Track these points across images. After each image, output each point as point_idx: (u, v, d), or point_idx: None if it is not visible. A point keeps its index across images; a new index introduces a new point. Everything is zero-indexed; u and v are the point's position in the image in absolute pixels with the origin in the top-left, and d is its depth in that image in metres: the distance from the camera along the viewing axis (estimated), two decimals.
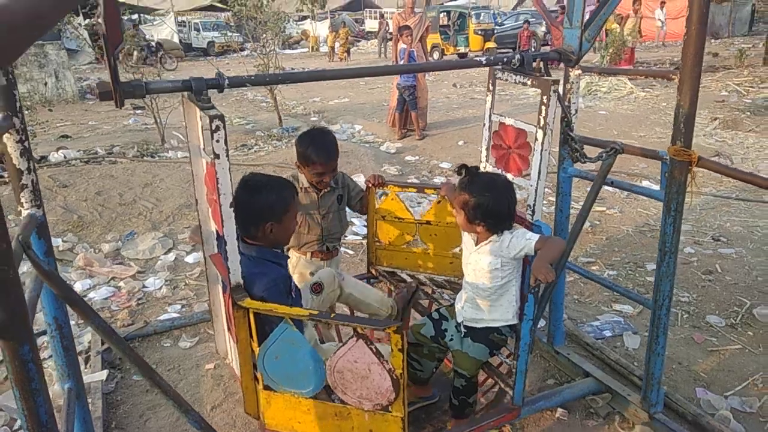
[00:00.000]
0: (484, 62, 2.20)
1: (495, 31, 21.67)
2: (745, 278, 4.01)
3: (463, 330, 2.32)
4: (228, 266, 1.69)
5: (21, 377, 1.38)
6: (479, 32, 21.37)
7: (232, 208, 1.60)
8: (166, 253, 4.56)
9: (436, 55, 21.53)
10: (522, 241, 2.10)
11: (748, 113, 8.95)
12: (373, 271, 3.03)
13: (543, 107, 2.10)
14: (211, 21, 28.99)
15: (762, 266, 4.18)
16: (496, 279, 2.18)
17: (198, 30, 28.13)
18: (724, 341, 3.29)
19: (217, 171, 1.53)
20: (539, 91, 2.12)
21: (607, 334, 3.38)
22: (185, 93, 1.64)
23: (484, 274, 2.19)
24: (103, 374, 2.94)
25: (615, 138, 5.36)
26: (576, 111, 2.63)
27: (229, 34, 26.05)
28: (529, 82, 2.17)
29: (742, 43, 19.81)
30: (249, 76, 1.63)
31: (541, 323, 3.25)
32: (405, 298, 2.65)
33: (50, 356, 2.05)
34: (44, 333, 2.02)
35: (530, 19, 20.20)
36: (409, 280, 2.92)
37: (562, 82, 2.56)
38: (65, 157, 6.51)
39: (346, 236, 4.76)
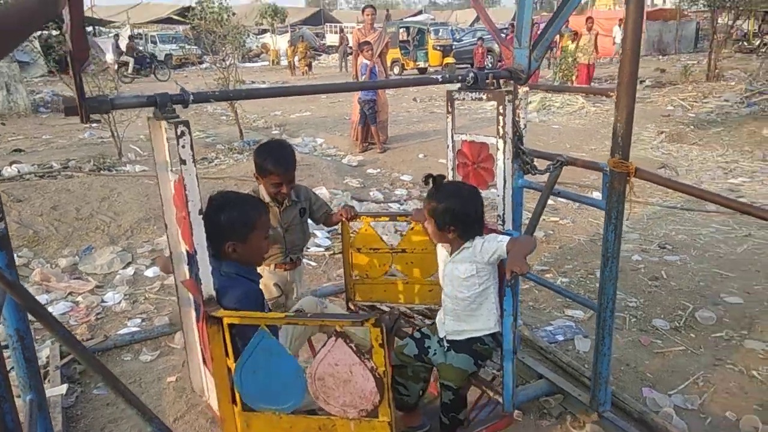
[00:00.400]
0: (440, 80, 2.32)
1: (453, 47, 22.17)
2: (688, 284, 4.23)
3: (446, 344, 2.35)
4: (199, 277, 1.72)
5: None
6: (438, 48, 21.83)
7: (201, 215, 1.64)
8: (124, 268, 4.53)
9: (396, 70, 21.86)
10: (494, 244, 2.17)
11: (692, 127, 9.42)
12: (352, 307, 3.00)
13: (500, 117, 2.21)
14: (168, 34, 28.71)
15: (704, 272, 4.42)
16: (474, 286, 2.24)
17: (155, 42, 27.80)
18: (668, 343, 3.48)
19: (184, 177, 1.58)
20: (495, 104, 2.24)
21: (560, 338, 3.52)
22: (151, 113, 1.68)
23: (462, 283, 2.25)
24: (63, 388, 2.91)
25: (567, 151, 5.60)
26: (525, 125, 2.77)
27: (187, 47, 25.85)
28: (484, 97, 2.29)
29: (688, 59, 20.79)
30: (213, 91, 1.70)
31: None
32: (388, 326, 2.70)
33: (11, 368, 2.05)
34: (6, 347, 2.02)
35: (485, 36, 20.69)
36: (389, 310, 2.94)
37: (512, 98, 2.72)
38: (19, 171, 6.37)
39: (308, 248, 4.83)
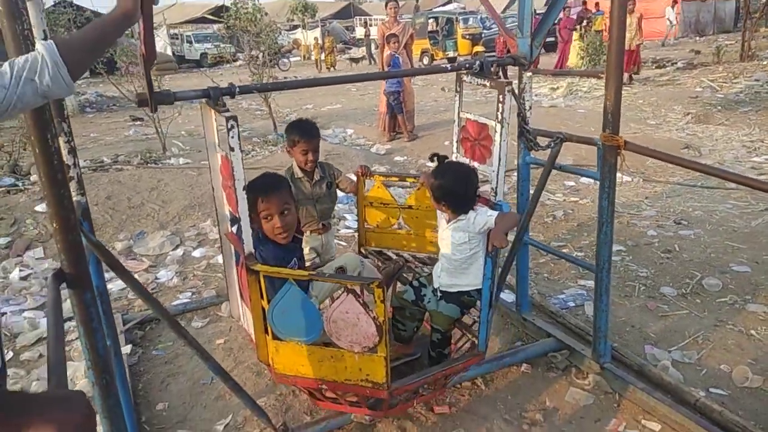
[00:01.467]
0: (449, 68, 2.64)
1: (483, 35, 22.16)
2: (699, 255, 4.44)
3: (439, 294, 2.72)
4: (242, 238, 2.11)
5: (84, 318, 1.82)
6: (467, 36, 21.88)
7: (245, 191, 2.03)
8: (174, 249, 4.99)
9: (426, 60, 22.08)
10: (484, 217, 2.50)
11: (720, 108, 9.43)
12: (363, 251, 3.45)
13: (500, 104, 2.52)
14: (203, 33, 29.49)
15: (716, 244, 4.61)
16: (465, 251, 2.59)
17: (191, 42, 28.62)
18: (674, 308, 3.72)
19: (232, 161, 1.96)
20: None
21: (571, 304, 3.81)
22: (203, 100, 2.06)
23: (456, 247, 2.60)
24: (127, 349, 3.36)
25: (592, 134, 5.83)
26: (530, 107, 3.06)
27: (222, 45, 26.54)
28: (488, 84, 2.61)
29: (726, 39, 20.34)
30: (255, 84, 2.07)
31: (511, 297, 3.69)
32: (390, 273, 3.13)
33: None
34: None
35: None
36: (394, 258, 3.35)
37: (517, 82, 3.02)
38: None
39: (339, 230, 5.21)
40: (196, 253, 4.90)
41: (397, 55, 8.07)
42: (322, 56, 22.94)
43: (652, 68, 14.53)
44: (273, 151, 7.94)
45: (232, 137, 1.95)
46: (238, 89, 2.02)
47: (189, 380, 3.20)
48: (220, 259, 4.75)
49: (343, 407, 2.50)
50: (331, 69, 22.40)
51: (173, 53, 28.17)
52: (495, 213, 2.51)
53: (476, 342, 2.63)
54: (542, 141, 2.99)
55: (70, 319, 3.90)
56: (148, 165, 7.07)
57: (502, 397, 2.93)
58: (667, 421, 2.62)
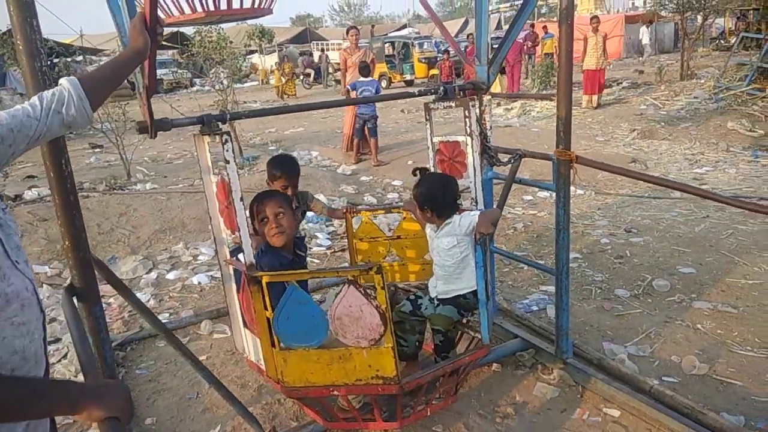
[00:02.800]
0: (416, 93, 2.90)
1: (438, 59, 22.81)
2: (649, 260, 4.80)
3: (436, 302, 2.88)
4: (243, 248, 2.23)
5: (94, 329, 1.96)
6: (423, 60, 22.52)
7: (241, 201, 2.19)
8: (147, 273, 5.05)
9: (384, 83, 22.51)
10: (468, 218, 2.70)
11: (663, 124, 10.05)
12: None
13: (467, 119, 2.77)
14: (159, 59, 29.31)
15: (664, 249, 4.98)
16: (456, 255, 2.76)
17: None
18: (627, 308, 4.03)
19: (228, 173, 2.13)
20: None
21: (534, 308, 4.07)
22: (196, 130, 2.23)
23: (447, 253, 2.78)
24: None
25: (546, 150, 6.19)
26: (491, 127, 3.34)
27: (178, 71, 26.42)
28: (453, 104, 2.86)
29: (667, 59, 21.49)
30: (245, 111, 2.26)
31: None
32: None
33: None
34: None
35: (450, 49, 21.32)
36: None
37: (477, 105, 3.30)
38: (39, 194, 6.89)
39: (311, 248, 5.38)
40: (170, 276, 4.98)
41: (376, 81, 8.31)
42: (283, 81, 22.52)
43: None
44: (240, 174, 8.05)
45: (228, 151, 2.12)
46: (229, 115, 2.20)
47: (175, 396, 3.30)
48: (195, 280, 4.87)
49: (357, 424, 2.59)
50: (293, 96, 21.83)
51: (128, 80, 27.87)
52: (477, 212, 2.73)
53: (479, 337, 2.80)
54: (503, 157, 3.26)
55: (49, 343, 3.96)
56: (114, 191, 7.10)
57: (475, 394, 3.14)
58: (625, 407, 2.87)
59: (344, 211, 3.50)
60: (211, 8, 2.78)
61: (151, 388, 3.40)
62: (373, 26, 30.26)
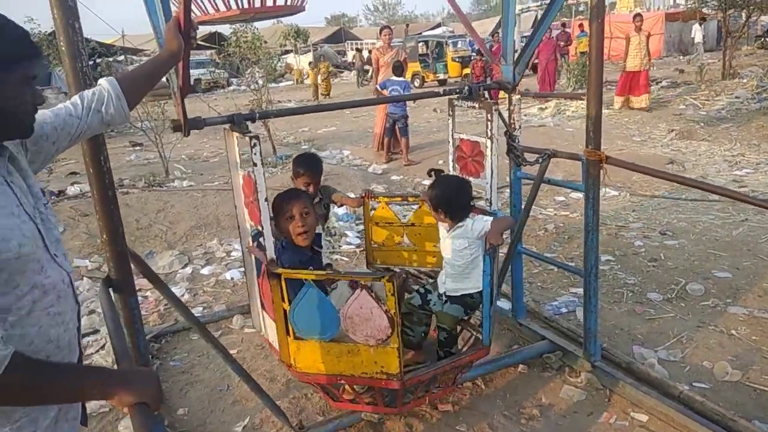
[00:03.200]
0: (441, 93, 2.91)
1: (472, 58, 22.67)
2: (683, 263, 4.70)
3: (444, 298, 2.92)
4: (265, 245, 2.33)
5: (129, 320, 2.04)
6: (457, 59, 22.39)
7: (266, 201, 2.26)
8: (183, 267, 5.19)
9: (416, 83, 22.51)
10: (481, 223, 2.74)
11: (702, 124, 9.79)
12: (370, 268, 3.67)
13: (488, 122, 2.80)
14: (197, 59, 29.85)
15: (699, 253, 4.88)
16: (466, 256, 2.80)
17: None
18: (660, 312, 3.96)
19: (255, 175, 2.20)
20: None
21: (563, 310, 4.04)
22: (226, 125, 2.31)
23: (457, 253, 2.82)
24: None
25: (579, 151, 6.13)
26: (520, 126, 3.33)
27: (216, 71, 26.92)
28: (477, 106, 2.88)
29: (709, 58, 20.90)
30: (273, 110, 2.32)
31: (507, 305, 3.92)
32: (398, 288, 3.34)
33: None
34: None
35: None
36: (398, 271, 3.56)
37: (507, 103, 3.30)
38: (81, 190, 7.13)
39: (341, 245, 5.45)
40: (205, 271, 5.11)
41: (407, 81, 8.34)
42: (319, 80, 22.31)
43: None
44: (273, 173, 8.18)
45: (255, 154, 2.19)
46: (258, 115, 2.27)
47: (206, 388, 3.39)
48: (228, 275, 4.99)
49: (359, 406, 2.70)
50: (327, 96, 21.38)
51: (167, 79, 28.49)
52: (490, 218, 2.76)
53: (481, 338, 2.83)
54: (531, 157, 3.24)
55: (87, 334, 4.11)
56: (153, 188, 7.30)
57: (501, 395, 3.14)
58: (653, 412, 2.84)
59: (362, 195, 3.59)
60: (245, 6, 2.86)
61: (184, 379, 3.50)
62: (407, 25, 30.23)
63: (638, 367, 3.19)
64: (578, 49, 18.80)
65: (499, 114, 2.78)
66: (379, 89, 8.53)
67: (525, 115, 12.34)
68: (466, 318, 2.98)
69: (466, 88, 2.83)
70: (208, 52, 29.29)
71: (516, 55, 3.00)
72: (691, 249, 4.97)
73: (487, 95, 2.88)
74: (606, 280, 4.48)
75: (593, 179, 2.91)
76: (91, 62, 10.84)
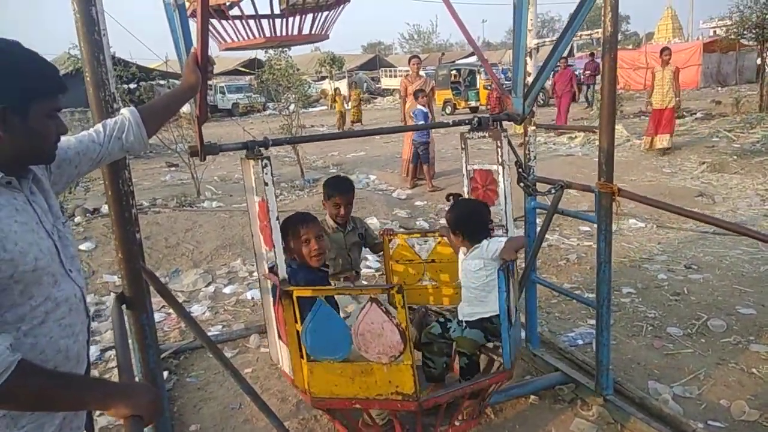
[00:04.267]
0: (451, 124, 2.98)
1: (504, 86, 22.74)
2: (707, 298, 4.60)
3: (463, 324, 2.94)
4: (277, 263, 2.39)
5: (139, 336, 2.12)
6: (488, 87, 22.49)
7: (277, 221, 2.33)
8: (207, 286, 5.32)
9: (448, 109, 22.72)
10: (495, 243, 2.78)
11: (735, 157, 9.60)
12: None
13: (498, 149, 2.85)
14: (235, 84, 30.74)
15: (724, 288, 4.77)
16: (482, 277, 2.83)
17: (223, 93, 29.80)
18: (679, 347, 3.88)
19: (266, 194, 2.28)
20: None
21: (579, 342, 4.00)
22: (242, 153, 2.41)
23: (473, 275, 2.86)
24: (164, 375, 3.64)
25: None
26: (535, 156, 3.36)
27: (253, 96, 27.65)
28: (487, 135, 2.93)
29: (748, 90, 20.52)
30: (286, 137, 2.41)
31: (522, 333, 3.89)
32: (419, 323, 3.37)
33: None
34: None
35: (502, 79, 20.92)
36: (418, 308, 3.55)
37: (522, 135, 3.35)
38: None
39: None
40: (227, 290, 5.23)
41: (425, 110, 8.47)
42: (348, 106, 21.13)
43: None
44: (300, 196, 8.34)
45: (267, 174, 2.28)
46: (271, 142, 2.37)
47: (219, 405, 3.46)
48: (249, 295, 5.09)
49: None
50: (359, 123, 20.25)
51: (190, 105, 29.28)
52: (504, 238, 2.80)
53: (502, 362, 2.81)
54: (545, 187, 3.27)
55: (111, 348, 4.23)
56: (184, 208, 7.51)
57: (510, 425, 3.12)
58: None
59: (381, 233, 3.63)
60: (268, 35, 2.99)
61: (199, 396, 3.58)
62: (442, 54, 30.56)
63: (651, 403, 3.13)
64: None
65: (509, 143, 2.83)
66: (413, 116, 8.64)
67: (554, 144, 12.31)
68: (486, 344, 2.96)
69: (476, 119, 2.89)
70: (247, 78, 30.16)
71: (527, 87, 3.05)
72: (716, 284, 4.87)
73: (499, 127, 2.92)
74: (626, 313, 4.42)
75: (605, 211, 2.91)
76: (132, 85, 11.22)
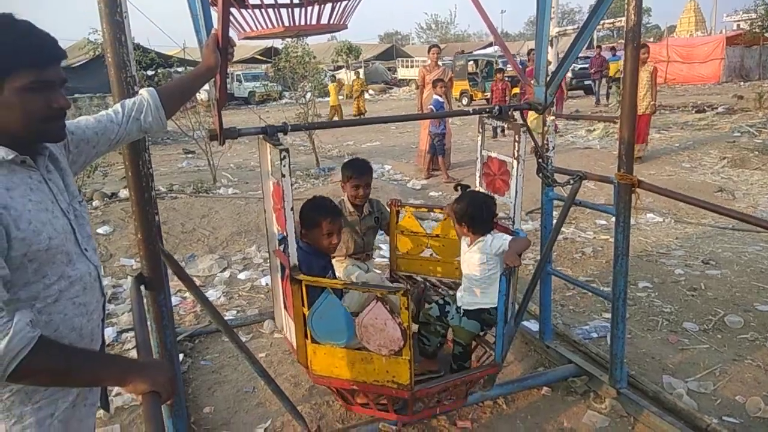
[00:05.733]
0: (471, 112, 2.96)
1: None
2: (724, 294, 4.55)
3: (462, 312, 2.97)
4: (288, 252, 2.42)
5: (157, 315, 2.15)
6: (508, 79, 22.26)
7: (292, 211, 2.35)
8: (222, 271, 5.36)
9: (465, 101, 22.57)
10: (500, 241, 2.81)
11: (757, 152, 9.44)
12: (394, 275, 3.77)
13: (516, 143, 2.83)
14: (252, 72, 30.78)
15: (742, 284, 4.71)
16: (484, 271, 2.86)
17: (240, 81, 29.84)
18: (694, 342, 3.85)
19: (283, 186, 2.30)
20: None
21: (594, 335, 3.97)
22: (260, 135, 2.42)
23: (476, 268, 2.88)
24: (180, 357, 3.68)
25: None
26: (553, 147, 3.33)
27: (270, 84, 27.68)
28: (506, 126, 2.91)
29: None
30: (304, 123, 2.42)
31: (536, 326, 3.88)
32: (417, 296, 3.42)
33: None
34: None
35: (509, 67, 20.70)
36: (420, 280, 3.64)
37: (541, 125, 3.31)
38: None
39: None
40: (242, 276, 5.27)
41: (441, 100, 8.43)
42: (343, 95, 18.99)
43: (691, 113, 14.57)
44: (315, 184, 8.36)
45: (284, 166, 2.29)
46: (290, 127, 2.37)
47: (233, 388, 3.49)
48: (263, 281, 5.12)
49: (371, 411, 2.76)
50: (362, 116, 18.25)
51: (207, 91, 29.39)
52: (509, 237, 2.80)
53: (493, 354, 2.85)
54: (563, 179, 3.24)
55: (128, 330, 4.29)
56: (200, 194, 7.56)
57: (522, 416, 3.12)
58: None
59: (389, 203, 3.69)
60: (287, 24, 2.99)
61: (213, 379, 3.61)
62: (462, 51, 30.14)
63: (665, 397, 3.11)
64: (611, 74, 18.35)
65: (530, 133, 2.81)
66: (432, 108, 8.60)
67: (572, 137, 12.19)
68: (482, 334, 3.01)
69: (497, 107, 2.87)
70: (264, 66, 30.17)
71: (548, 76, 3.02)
72: (734, 280, 4.81)
73: (517, 116, 2.90)
74: (641, 307, 4.38)
75: (624, 203, 2.88)
76: (151, 72, 11.27)
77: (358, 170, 3.46)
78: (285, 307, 2.81)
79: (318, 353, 2.54)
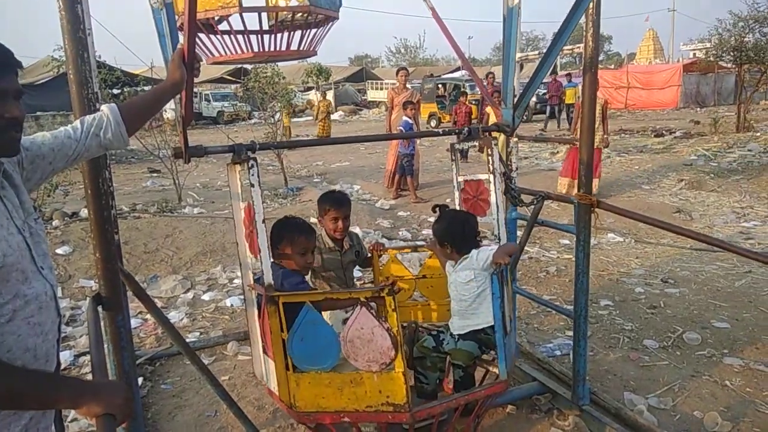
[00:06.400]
0: (441, 133, 3.01)
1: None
2: (683, 312, 4.67)
3: (456, 337, 2.88)
4: (262, 269, 2.32)
5: (114, 337, 2.10)
6: (473, 102, 22.67)
7: (263, 223, 2.30)
8: (185, 292, 5.27)
9: (433, 123, 22.85)
10: (486, 252, 2.74)
11: (713, 175, 9.80)
12: None
13: (489, 157, 2.86)
14: (221, 92, 30.62)
15: (699, 302, 4.85)
16: (473, 288, 2.78)
17: (209, 100, 29.65)
18: (655, 359, 3.93)
19: (252, 196, 2.25)
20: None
21: (557, 353, 4.03)
22: (228, 159, 2.39)
23: (463, 286, 2.80)
24: (139, 380, 3.59)
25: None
26: (517, 168, 3.41)
27: (239, 104, 27.56)
28: (477, 144, 2.96)
29: (726, 111, 20.97)
30: (272, 142, 2.41)
31: None
32: (408, 337, 3.31)
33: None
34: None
35: (477, 90, 21.24)
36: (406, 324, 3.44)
37: (505, 147, 3.38)
38: None
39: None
40: (206, 297, 5.18)
41: (411, 122, 8.51)
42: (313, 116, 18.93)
43: (651, 137, 15.05)
44: (283, 204, 8.32)
45: (253, 175, 2.25)
46: (258, 146, 2.36)
47: (194, 412, 3.42)
48: (228, 302, 5.05)
49: None
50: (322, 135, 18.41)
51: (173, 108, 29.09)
52: (494, 247, 2.77)
53: (498, 372, 2.76)
54: (527, 198, 3.30)
55: (86, 353, 4.16)
56: (164, 214, 7.44)
57: None
58: None
59: (370, 248, 3.47)
60: (256, 50, 2.99)
61: (173, 403, 3.53)
62: (431, 75, 30.54)
63: (627, 413, 3.16)
64: (565, 101, 18.70)
65: (498, 153, 2.85)
66: (402, 129, 8.66)
67: (536, 159, 12.45)
68: (480, 355, 2.89)
69: (466, 129, 2.91)
70: (233, 86, 30.05)
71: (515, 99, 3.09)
72: (692, 298, 4.95)
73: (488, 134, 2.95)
74: (603, 325, 4.47)
75: (584, 223, 2.96)
76: (116, 90, 11.11)
77: (336, 202, 3.25)
78: (264, 350, 2.60)
79: (301, 384, 2.37)
